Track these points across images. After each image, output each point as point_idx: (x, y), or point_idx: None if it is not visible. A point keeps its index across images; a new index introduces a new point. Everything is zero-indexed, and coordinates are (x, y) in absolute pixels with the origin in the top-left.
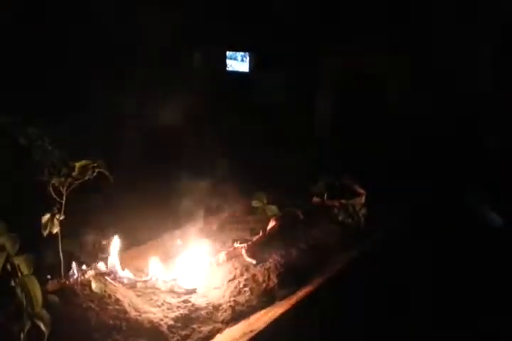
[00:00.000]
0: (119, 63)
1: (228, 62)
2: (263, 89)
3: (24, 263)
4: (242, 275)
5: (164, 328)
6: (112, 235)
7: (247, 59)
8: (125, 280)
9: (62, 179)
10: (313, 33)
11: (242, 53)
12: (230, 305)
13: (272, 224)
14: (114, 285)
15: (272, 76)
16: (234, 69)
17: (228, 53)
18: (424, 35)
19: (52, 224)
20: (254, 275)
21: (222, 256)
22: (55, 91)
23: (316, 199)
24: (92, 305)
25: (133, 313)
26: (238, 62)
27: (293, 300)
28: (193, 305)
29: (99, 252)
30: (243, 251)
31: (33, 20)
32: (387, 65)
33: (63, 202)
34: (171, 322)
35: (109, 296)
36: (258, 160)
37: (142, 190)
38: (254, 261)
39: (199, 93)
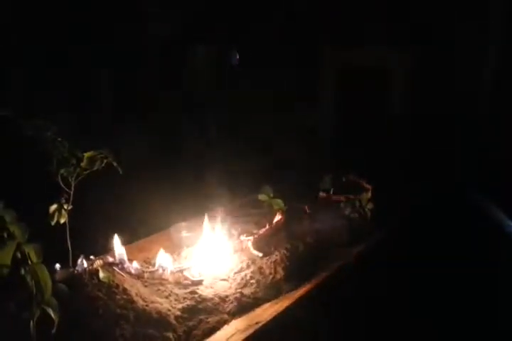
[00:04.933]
0: None
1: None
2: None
3: (34, 252)
4: (248, 267)
5: (172, 318)
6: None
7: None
8: (132, 271)
9: (71, 169)
10: (313, 31)
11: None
12: (237, 297)
13: (278, 217)
14: (122, 275)
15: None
16: None
17: None
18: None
19: (60, 214)
20: (260, 268)
21: (229, 248)
22: None
23: (322, 194)
24: (100, 295)
25: (140, 303)
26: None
27: (299, 293)
28: (199, 296)
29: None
30: (249, 244)
31: None
32: (389, 62)
33: (71, 192)
34: (178, 313)
35: (117, 286)
36: (263, 156)
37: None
38: (260, 254)
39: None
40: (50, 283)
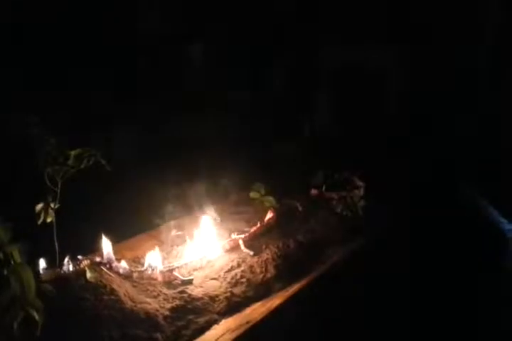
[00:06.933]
0: None
1: None
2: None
3: (17, 252)
4: (239, 266)
5: (160, 319)
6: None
7: None
8: (121, 271)
9: (57, 167)
10: (308, 29)
11: None
12: (227, 296)
13: (269, 215)
14: (110, 275)
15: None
16: None
17: None
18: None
19: (47, 213)
20: (251, 267)
21: (220, 246)
22: None
23: (314, 191)
24: (87, 295)
25: (128, 303)
26: None
27: (290, 292)
28: (189, 295)
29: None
30: (240, 242)
31: None
32: (387, 60)
33: (58, 190)
34: (167, 313)
35: (105, 286)
36: (257, 154)
37: None
38: (251, 252)
39: None
40: (33, 284)
